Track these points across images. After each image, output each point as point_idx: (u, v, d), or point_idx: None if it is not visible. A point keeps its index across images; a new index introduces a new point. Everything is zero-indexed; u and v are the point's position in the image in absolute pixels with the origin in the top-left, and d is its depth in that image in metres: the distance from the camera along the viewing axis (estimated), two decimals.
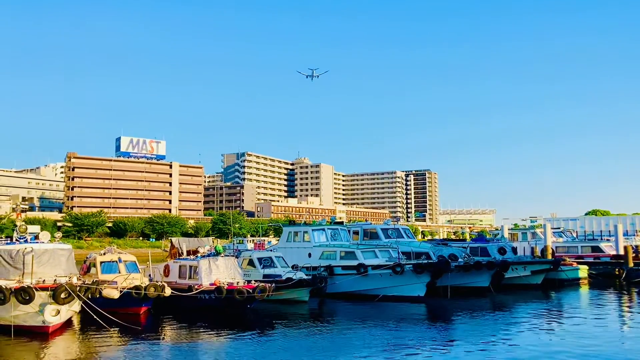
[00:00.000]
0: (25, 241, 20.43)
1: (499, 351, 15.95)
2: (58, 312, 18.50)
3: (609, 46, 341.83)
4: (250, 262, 28.34)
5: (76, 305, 19.43)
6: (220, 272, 24.14)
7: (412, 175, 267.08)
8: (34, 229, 21.88)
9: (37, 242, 20.51)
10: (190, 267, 24.71)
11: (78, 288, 18.45)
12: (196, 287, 23.11)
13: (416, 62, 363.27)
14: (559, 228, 55.92)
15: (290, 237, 32.93)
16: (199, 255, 25.82)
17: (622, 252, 41.89)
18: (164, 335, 19.42)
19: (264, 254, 29.67)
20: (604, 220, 76.59)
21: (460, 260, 31.28)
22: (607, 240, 48.79)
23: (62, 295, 18.00)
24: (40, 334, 18.26)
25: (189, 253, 27.57)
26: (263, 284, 23.36)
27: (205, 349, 16.60)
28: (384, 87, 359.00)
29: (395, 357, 15.31)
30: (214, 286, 22.92)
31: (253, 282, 24.03)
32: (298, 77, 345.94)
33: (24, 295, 17.63)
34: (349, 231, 34.95)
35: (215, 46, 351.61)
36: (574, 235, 56.90)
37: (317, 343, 17.41)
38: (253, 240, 63.31)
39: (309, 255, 31.07)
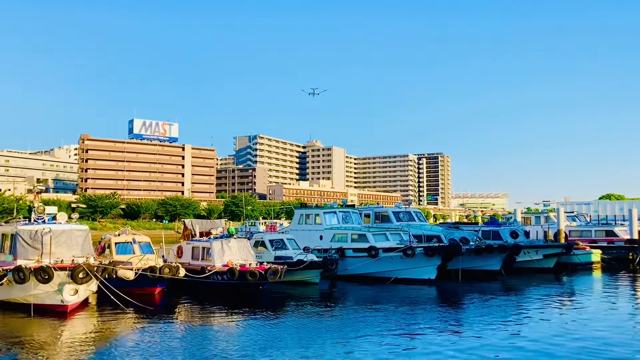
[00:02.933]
0: (43, 222, 20.76)
1: (509, 335, 16.02)
2: (76, 291, 18.91)
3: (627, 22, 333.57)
4: (262, 244, 28.60)
5: (93, 285, 19.83)
6: (232, 253, 24.40)
7: (424, 159, 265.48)
8: (52, 209, 22.23)
9: (54, 223, 20.85)
10: (203, 248, 25.00)
11: (95, 268, 18.81)
12: (209, 268, 23.40)
13: (427, 38, 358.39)
14: (573, 212, 55.41)
15: (302, 220, 33.12)
16: (211, 236, 26.08)
17: (636, 236, 41.47)
18: (178, 315, 19.76)
19: (276, 235, 29.88)
20: (618, 205, 75.69)
21: (471, 243, 31.25)
22: (621, 224, 48.28)
23: (80, 275, 18.36)
24: (59, 313, 18.71)
25: (201, 235, 27.86)
26: (275, 265, 23.58)
27: (218, 330, 16.90)
28: (394, 66, 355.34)
29: (405, 339, 15.46)
30: (227, 267, 23.19)
31: (265, 263, 24.27)
32: (308, 58, 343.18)
33: (43, 274, 17.99)
34: (360, 214, 35.01)
35: (224, 30, 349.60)
36: (588, 219, 56.38)
37: (328, 325, 17.61)
38: (265, 222, 63.70)
39: (321, 237, 31.26)
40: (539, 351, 13.95)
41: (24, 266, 18.33)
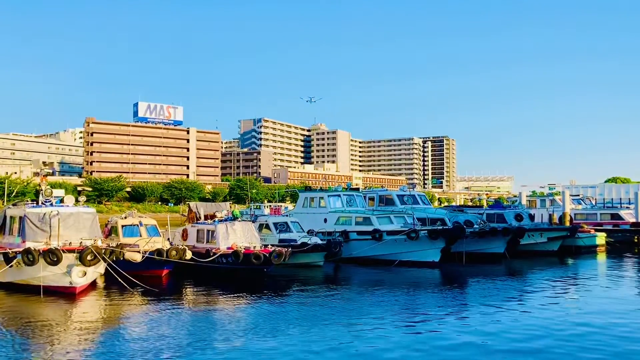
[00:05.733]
0: (51, 204, 20.94)
1: (512, 317, 16.15)
2: (85, 273, 19.17)
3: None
4: (266, 227, 28.77)
5: (101, 267, 20.08)
6: (237, 236, 24.57)
7: (429, 142, 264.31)
8: (59, 192, 22.37)
9: (62, 206, 21.03)
10: (208, 231, 25.17)
11: (103, 250, 19.04)
12: (214, 251, 23.58)
13: (431, 14, 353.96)
14: (578, 195, 55.28)
15: (307, 203, 33.25)
16: (216, 219, 26.24)
17: None
18: (184, 297, 20.01)
19: (280, 219, 30.03)
20: (623, 188, 75.47)
21: (475, 226, 31.31)
22: (627, 207, 48.16)
23: (89, 258, 18.61)
24: (68, 294, 19.00)
25: (206, 217, 27.98)
26: (280, 248, 23.75)
27: (223, 312, 17.12)
28: (397, 47, 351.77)
29: (408, 321, 15.64)
30: (231, 250, 23.38)
31: (269, 246, 24.43)
32: (313, 38, 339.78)
33: (52, 256, 18.24)
34: (364, 197, 35.09)
35: (228, 13, 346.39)
36: (593, 202, 56.24)
37: (332, 307, 17.79)
38: (270, 205, 63.89)
39: (325, 220, 31.41)
40: (542, 333, 14.08)
41: (32, 248, 18.57)
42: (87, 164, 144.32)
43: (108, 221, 26.07)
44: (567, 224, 40.75)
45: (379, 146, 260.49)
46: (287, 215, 32.55)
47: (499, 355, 12.16)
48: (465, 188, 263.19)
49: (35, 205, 21.26)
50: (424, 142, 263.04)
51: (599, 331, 14.29)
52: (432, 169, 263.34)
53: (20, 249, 18.96)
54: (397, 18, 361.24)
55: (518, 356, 12.07)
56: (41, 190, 21.67)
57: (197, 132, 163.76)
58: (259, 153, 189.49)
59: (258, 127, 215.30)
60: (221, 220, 25.67)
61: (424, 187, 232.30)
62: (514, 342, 13.16)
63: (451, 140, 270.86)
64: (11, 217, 21.31)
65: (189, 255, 22.51)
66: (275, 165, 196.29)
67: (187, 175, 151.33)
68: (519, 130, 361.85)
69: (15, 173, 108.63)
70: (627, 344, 13.11)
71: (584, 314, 16.44)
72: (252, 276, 23.18)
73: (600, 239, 39.14)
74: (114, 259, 19.71)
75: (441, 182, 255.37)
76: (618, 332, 14.24)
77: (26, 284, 19.83)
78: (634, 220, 42.72)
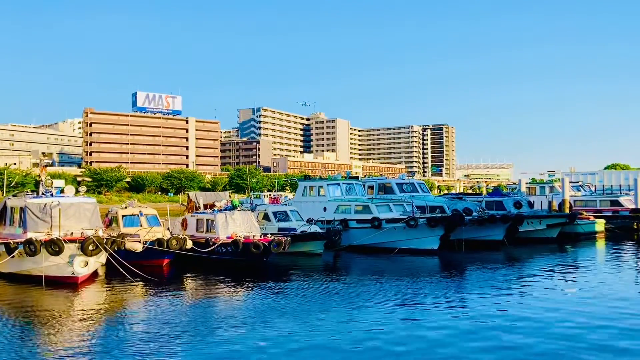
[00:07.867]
0: (52, 195, 20.97)
1: (511, 304, 16.27)
2: (86, 263, 19.29)
3: None
4: (266, 216, 28.86)
5: (102, 257, 20.19)
6: (237, 225, 24.66)
7: (429, 130, 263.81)
8: (59, 183, 22.40)
9: (63, 196, 21.07)
10: (208, 220, 25.25)
11: (104, 240, 19.12)
12: (213, 240, 23.69)
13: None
14: (578, 182, 55.34)
15: (306, 192, 33.32)
16: (215, 209, 26.29)
17: None
18: (185, 286, 20.12)
19: (279, 207, 30.11)
20: (623, 175, 75.62)
21: (474, 214, 31.40)
22: (627, 194, 48.22)
23: (90, 247, 18.69)
24: (70, 284, 19.13)
25: (206, 207, 28.04)
26: (279, 237, 23.83)
27: (223, 300, 17.25)
28: (396, 35, 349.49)
29: (407, 309, 15.76)
30: (231, 239, 23.47)
31: (269, 235, 24.52)
32: (312, 27, 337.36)
33: (54, 247, 18.32)
34: (364, 186, 35.15)
35: (226, 1, 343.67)
36: (593, 189, 56.30)
37: (332, 295, 17.92)
38: (269, 195, 63.96)
39: (324, 209, 31.51)
40: (540, 321, 14.21)
41: (34, 239, 18.65)
42: (87, 155, 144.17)
43: (108, 211, 26.14)
44: (567, 210, 40.87)
45: (378, 134, 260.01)
46: (286, 204, 32.62)
47: (497, 341, 12.29)
48: (465, 176, 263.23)
49: (35, 195, 21.30)
50: (424, 130, 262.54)
51: (597, 317, 14.41)
52: (431, 156, 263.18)
53: (22, 240, 19.04)
54: (396, 6, 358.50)
55: (515, 342, 12.19)
56: (41, 180, 21.68)
57: (196, 121, 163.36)
58: (258, 142, 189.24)
59: (257, 117, 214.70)
60: (221, 210, 25.74)
61: (424, 175, 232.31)
62: (512, 330, 13.28)
63: (451, 128, 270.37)
64: (12, 207, 21.36)
65: (189, 244, 22.59)
66: (274, 154, 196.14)
67: (187, 165, 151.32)
68: (519, 118, 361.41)
69: (15, 164, 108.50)
70: (625, 327, 13.24)
71: (583, 300, 16.57)
72: (252, 265, 23.29)
73: (600, 225, 39.26)
74: (115, 248, 19.80)
75: (441, 170, 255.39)
76: (616, 317, 14.38)
77: (28, 275, 19.95)
78: (633, 206, 42.82)
